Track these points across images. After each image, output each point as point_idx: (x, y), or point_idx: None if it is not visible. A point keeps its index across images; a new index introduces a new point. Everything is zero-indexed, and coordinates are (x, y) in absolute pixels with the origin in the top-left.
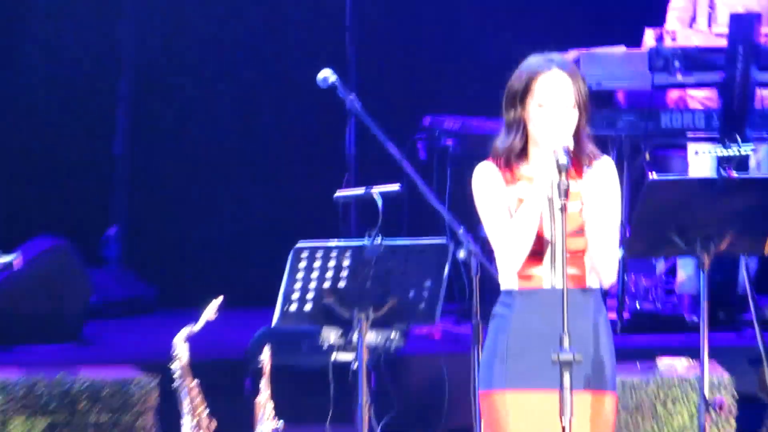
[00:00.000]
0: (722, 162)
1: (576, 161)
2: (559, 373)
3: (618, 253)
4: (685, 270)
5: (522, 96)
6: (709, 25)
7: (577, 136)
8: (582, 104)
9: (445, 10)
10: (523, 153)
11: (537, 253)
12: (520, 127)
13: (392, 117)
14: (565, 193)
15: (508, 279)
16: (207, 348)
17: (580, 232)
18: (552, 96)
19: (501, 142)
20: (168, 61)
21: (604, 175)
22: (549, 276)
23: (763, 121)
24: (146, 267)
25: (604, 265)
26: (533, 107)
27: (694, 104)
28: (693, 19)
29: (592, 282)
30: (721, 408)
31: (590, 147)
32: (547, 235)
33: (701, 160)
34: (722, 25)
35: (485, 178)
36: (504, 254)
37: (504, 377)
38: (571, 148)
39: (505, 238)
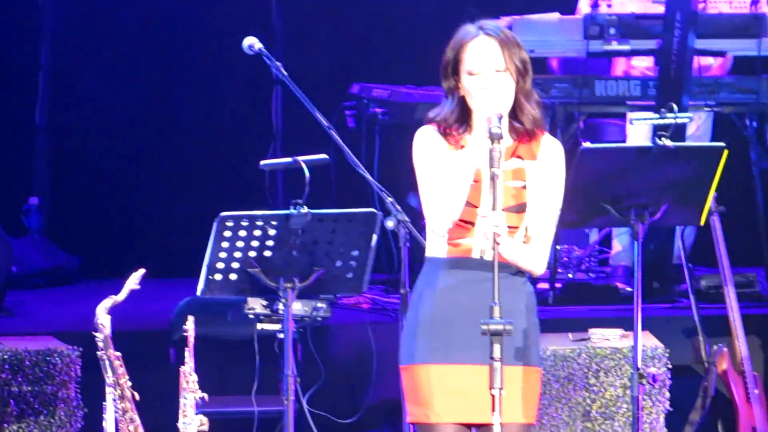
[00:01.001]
0: (658, 130)
1: (526, 135)
2: (484, 347)
3: (550, 245)
4: (620, 240)
5: (454, 66)
6: None
7: (518, 102)
8: (517, 70)
9: None
10: (466, 121)
11: (467, 222)
12: (455, 96)
13: (320, 86)
14: (497, 162)
15: (435, 246)
16: (131, 319)
17: (518, 209)
18: (480, 63)
19: (438, 110)
20: (89, 30)
21: (551, 159)
22: (478, 247)
23: (700, 89)
24: (68, 237)
25: (535, 253)
26: (465, 77)
27: (635, 74)
28: None
29: None
30: (654, 379)
31: (533, 113)
32: (480, 206)
33: (638, 129)
34: None
35: (424, 140)
36: (430, 220)
37: (427, 351)
38: (504, 114)
39: (432, 199)
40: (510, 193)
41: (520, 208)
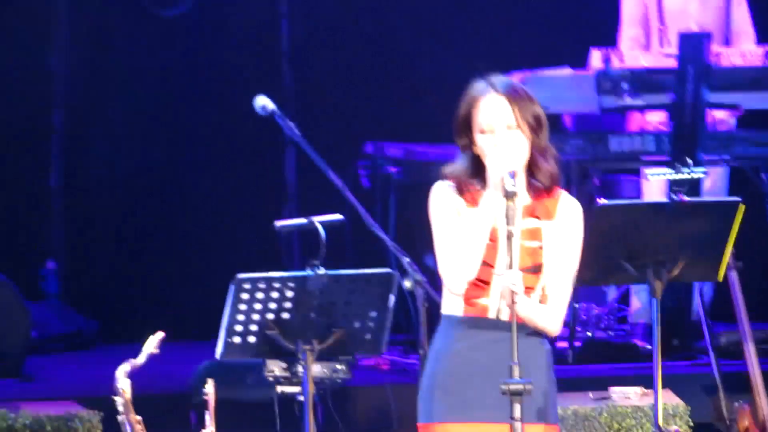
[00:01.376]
0: (673, 186)
1: (543, 192)
2: (501, 405)
3: (566, 305)
4: (639, 297)
5: (466, 123)
6: (661, 45)
7: (533, 158)
8: (529, 126)
9: (385, 33)
10: (482, 177)
11: (484, 281)
12: (471, 157)
13: (333, 145)
14: (512, 220)
15: (452, 304)
16: (150, 382)
17: (534, 270)
18: (490, 121)
19: (453, 166)
20: (101, 92)
21: (568, 218)
22: (495, 306)
23: (714, 143)
24: (86, 301)
25: (551, 313)
26: (477, 136)
27: (650, 129)
28: (647, 46)
29: None
30: None
31: (549, 169)
32: (496, 265)
33: (653, 185)
34: (673, 46)
35: (439, 196)
36: (445, 278)
37: (446, 409)
38: (519, 171)
39: (448, 258)
40: (526, 252)
41: (537, 269)
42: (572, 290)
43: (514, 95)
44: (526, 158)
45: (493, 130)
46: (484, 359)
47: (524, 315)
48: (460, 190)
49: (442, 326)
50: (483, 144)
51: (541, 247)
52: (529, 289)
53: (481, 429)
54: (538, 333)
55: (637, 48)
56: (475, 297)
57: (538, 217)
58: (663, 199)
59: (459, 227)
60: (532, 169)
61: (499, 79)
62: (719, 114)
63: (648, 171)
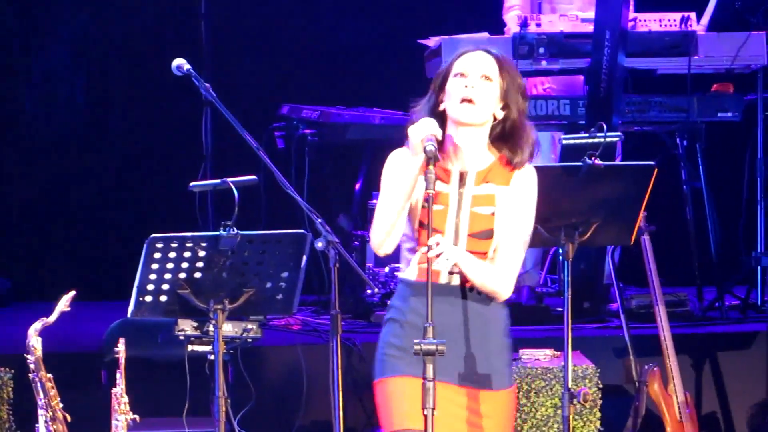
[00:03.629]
0: (588, 150)
1: (506, 162)
2: (452, 368)
3: (517, 269)
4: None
5: (443, 79)
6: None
7: (516, 130)
8: (507, 89)
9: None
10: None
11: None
12: (434, 110)
13: (249, 107)
14: (432, 184)
15: (406, 270)
16: (62, 341)
17: (486, 235)
18: (469, 67)
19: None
20: (16, 46)
21: (522, 186)
22: (445, 271)
23: (630, 108)
24: None
25: (498, 275)
26: (450, 80)
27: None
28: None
29: None
30: (585, 399)
31: (526, 147)
32: (445, 231)
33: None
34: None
35: (391, 163)
36: (371, 240)
37: (402, 366)
38: (439, 137)
39: (373, 224)
40: (478, 218)
41: (487, 234)
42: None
43: (502, 59)
44: (486, 115)
45: (467, 74)
46: (436, 324)
47: (475, 279)
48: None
49: (398, 290)
50: (452, 87)
51: (493, 214)
52: (481, 254)
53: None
54: (492, 299)
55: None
56: (424, 262)
57: (492, 182)
58: (571, 162)
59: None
60: (509, 141)
61: (490, 46)
62: None
63: (563, 136)
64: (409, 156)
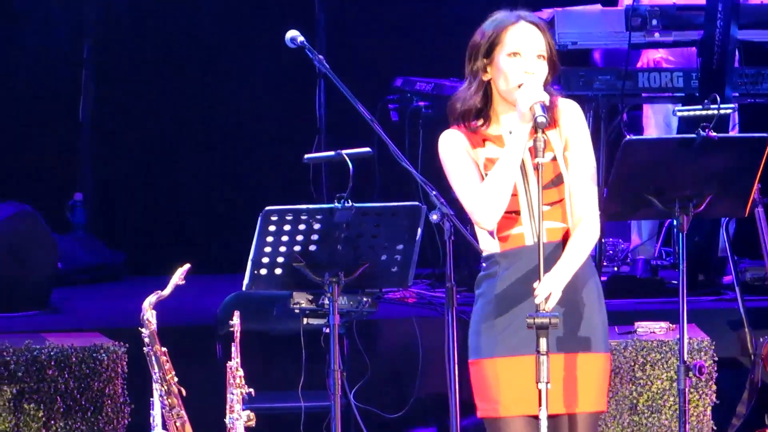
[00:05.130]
0: (701, 122)
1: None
2: (549, 337)
3: (596, 205)
4: (639, 233)
5: (488, 49)
6: None
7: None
8: (552, 58)
9: None
10: (485, 113)
11: (513, 212)
12: (481, 84)
13: (363, 79)
14: (542, 152)
15: (487, 242)
16: (176, 314)
17: (555, 182)
18: (524, 45)
19: (460, 101)
20: (132, 25)
21: (572, 122)
22: (529, 233)
23: (743, 80)
24: (113, 233)
25: (588, 228)
26: (503, 59)
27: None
28: None
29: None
30: (701, 372)
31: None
32: (521, 194)
33: (652, 119)
34: None
35: (450, 144)
36: (480, 216)
37: (493, 345)
38: (547, 102)
39: (479, 200)
40: (547, 168)
41: (557, 181)
42: (600, 225)
43: (543, 27)
44: None
45: (525, 54)
46: (527, 291)
47: (580, 261)
48: (465, 131)
49: (484, 265)
50: (510, 67)
51: (554, 158)
52: (556, 204)
53: (528, 362)
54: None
55: None
56: (507, 229)
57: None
58: (685, 134)
59: (490, 175)
60: None
61: (524, 11)
62: None
63: (676, 108)
64: (517, 122)
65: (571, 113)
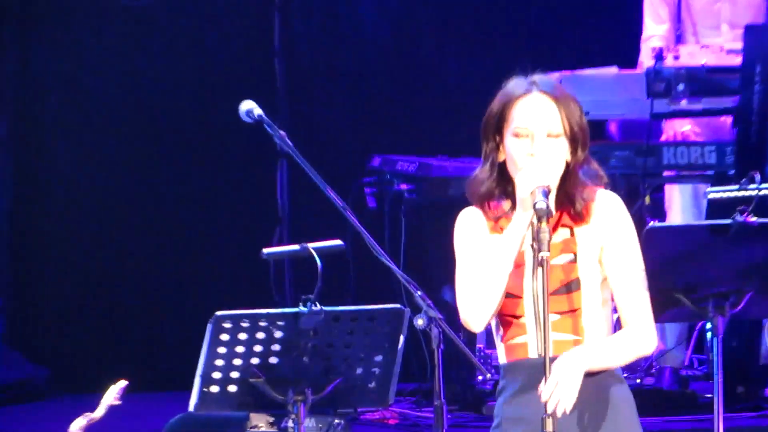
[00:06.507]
0: (738, 204)
1: (568, 203)
2: None
3: (650, 311)
4: (664, 336)
5: (497, 125)
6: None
7: (570, 177)
8: (573, 134)
9: (396, 29)
10: (507, 193)
11: (514, 316)
12: (494, 165)
13: (334, 158)
14: (546, 245)
15: (499, 351)
16: None
17: (568, 289)
18: (530, 123)
19: (478, 182)
20: (59, 98)
21: (612, 214)
22: (533, 343)
23: None
24: (35, 346)
25: (640, 335)
26: (509, 139)
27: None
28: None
29: None
30: None
31: (586, 190)
32: (527, 296)
33: (676, 200)
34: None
35: (466, 224)
36: (464, 314)
37: None
38: (552, 189)
39: (465, 295)
40: (556, 272)
41: (572, 287)
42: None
43: (560, 97)
44: (560, 173)
45: (531, 134)
46: (531, 410)
47: (616, 363)
48: (487, 213)
49: (500, 378)
50: (514, 150)
51: (574, 261)
52: (567, 314)
53: None
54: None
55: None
56: (513, 337)
57: (568, 226)
58: (725, 219)
59: (481, 254)
60: (566, 187)
61: (544, 77)
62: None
63: (708, 189)
64: (518, 212)
65: (613, 207)
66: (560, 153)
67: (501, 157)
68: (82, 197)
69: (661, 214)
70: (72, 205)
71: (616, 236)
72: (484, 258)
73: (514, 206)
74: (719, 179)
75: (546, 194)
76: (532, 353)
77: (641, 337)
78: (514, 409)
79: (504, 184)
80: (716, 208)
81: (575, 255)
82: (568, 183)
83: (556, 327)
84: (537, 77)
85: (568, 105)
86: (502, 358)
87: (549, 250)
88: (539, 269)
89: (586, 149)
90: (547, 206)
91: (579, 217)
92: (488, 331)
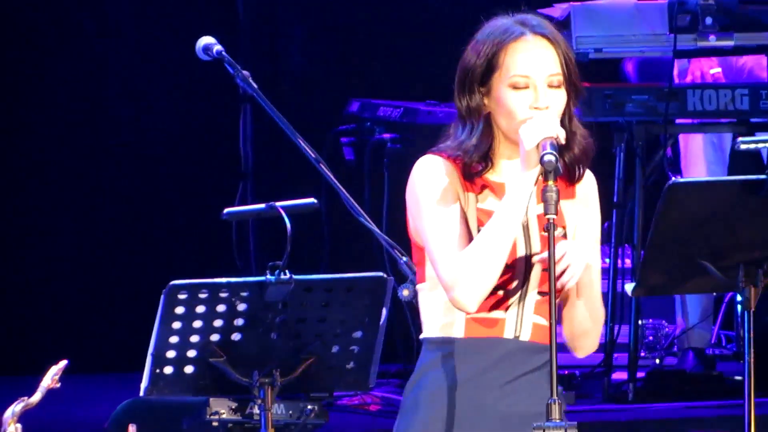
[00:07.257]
0: None
1: (564, 167)
2: None
3: (603, 312)
4: (686, 313)
5: (484, 76)
6: None
7: (565, 128)
8: (572, 79)
9: None
10: (485, 154)
11: (502, 289)
12: (480, 120)
13: (306, 103)
14: (553, 206)
15: (444, 322)
16: (51, 427)
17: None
18: (531, 71)
19: (454, 142)
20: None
21: (591, 200)
22: (513, 322)
23: None
24: None
25: (587, 327)
26: (503, 90)
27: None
28: None
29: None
30: None
31: (584, 143)
32: (517, 266)
33: (697, 153)
34: None
35: (432, 173)
36: (460, 292)
37: None
38: (562, 139)
39: (462, 268)
40: (547, 243)
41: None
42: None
43: (557, 38)
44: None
45: (534, 84)
46: (500, 400)
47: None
48: (459, 168)
49: (429, 356)
50: (514, 102)
51: (565, 235)
52: (547, 294)
53: None
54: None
55: None
56: (486, 309)
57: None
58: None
59: (481, 233)
60: (563, 148)
61: (533, 16)
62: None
63: (740, 139)
64: (519, 168)
65: (591, 189)
66: (563, 101)
67: (485, 110)
68: (16, 153)
69: (677, 170)
70: (6, 163)
71: (589, 217)
72: (486, 229)
73: (491, 166)
74: (752, 128)
75: (555, 147)
76: (509, 333)
77: (594, 339)
78: (477, 395)
79: (488, 143)
80: (744, 160)
81: (564, 230)
82: (569, 142)
83: (538, 310)
84: (527, 16)
85: (564, 47)
86: (454, 332)
87: (556, 213)
88: (544, 235)
89: (578, 99)
90: (557, 159)
91: (566, 191)
92: None
